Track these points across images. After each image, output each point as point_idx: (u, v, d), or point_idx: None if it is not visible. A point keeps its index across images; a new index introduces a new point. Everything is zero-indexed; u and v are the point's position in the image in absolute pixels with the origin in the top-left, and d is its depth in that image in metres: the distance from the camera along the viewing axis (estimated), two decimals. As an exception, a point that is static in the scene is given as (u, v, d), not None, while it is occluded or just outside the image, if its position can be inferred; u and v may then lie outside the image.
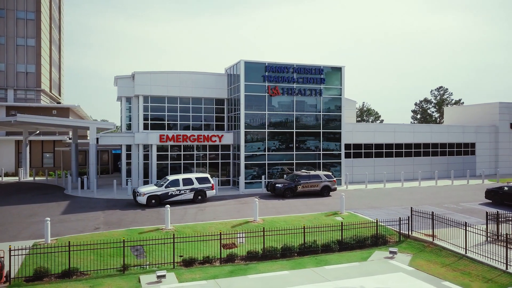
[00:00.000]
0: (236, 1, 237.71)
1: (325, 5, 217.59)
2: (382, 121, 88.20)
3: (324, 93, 34.77)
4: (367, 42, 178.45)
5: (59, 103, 61.07)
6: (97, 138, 32.35)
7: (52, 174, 43.17)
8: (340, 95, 35.40)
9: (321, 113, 34.85)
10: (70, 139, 46.22)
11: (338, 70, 35.32)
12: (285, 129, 33.81)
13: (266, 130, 33.20)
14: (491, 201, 28.15)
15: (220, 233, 17.67)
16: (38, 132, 43.43)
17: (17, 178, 41.73)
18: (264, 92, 33.01)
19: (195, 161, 34.73)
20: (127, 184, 33.55)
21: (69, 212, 24.44)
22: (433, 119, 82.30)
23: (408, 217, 20.62)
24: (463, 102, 79.33)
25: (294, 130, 33.99)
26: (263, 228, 18.55)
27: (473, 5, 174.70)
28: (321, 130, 34.83)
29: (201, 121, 35.75)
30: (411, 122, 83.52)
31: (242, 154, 32.51)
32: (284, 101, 33.82)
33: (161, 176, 33.08)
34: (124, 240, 16.17)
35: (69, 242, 15.66)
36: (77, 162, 38.53)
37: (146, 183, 33.51)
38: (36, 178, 40.93)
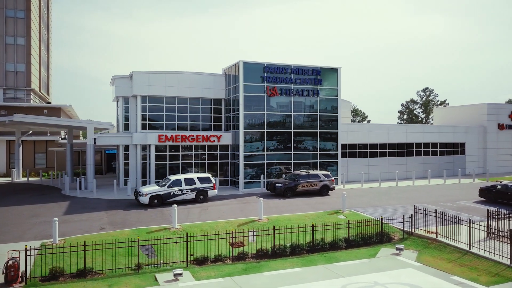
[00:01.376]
0: (230, 1, 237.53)
1: (311, 7, 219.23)
2: (369, 121, 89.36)
3: (321, 93, 35.23)
4: (352, 44, 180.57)
5: (49, 102, 60.18)
6: (95, 138, 32.16)
7: (45, 175, 42.61)
8: (337, 96, 35.91)
9: (318, 114, 35.29)
10: (62, 139, 45.64)
11: (334, 71, 35.82)
12: (283, 129, 34.14)
13: (265, 130, 33.46)
14: (484, 199, 28.99)
15: (232, 231, 17.88)
16: (30, 132, 42.83)
17: (9, 178, 41.06)
18: (263, 92, 33.27)
19: (193, 161, 34.77)
20: (125, 185, 33.47)
21: (71, 212, 24.28)
22: (420, 119, 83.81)
23: (411, 214, 21.17)
24: (448, 103, 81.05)
25: (292, 130, 34.35)
26: (274, 226, 18.80)
27: (460, 8, 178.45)
28: (318, 130, 35.28)
29: (199, 121, 35.80)
30: (398, 123, 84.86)
31: (241, 154, 32.69)
32: (282, 101, 34.15)
33: (159, 176, 33.05)
34: (138, 239, 16.25)
35: (84, 241, 15.66)
36: (72, 163, 38.16)
37: (144, 183, 33.45)
38: (29, 179, 40.34)
